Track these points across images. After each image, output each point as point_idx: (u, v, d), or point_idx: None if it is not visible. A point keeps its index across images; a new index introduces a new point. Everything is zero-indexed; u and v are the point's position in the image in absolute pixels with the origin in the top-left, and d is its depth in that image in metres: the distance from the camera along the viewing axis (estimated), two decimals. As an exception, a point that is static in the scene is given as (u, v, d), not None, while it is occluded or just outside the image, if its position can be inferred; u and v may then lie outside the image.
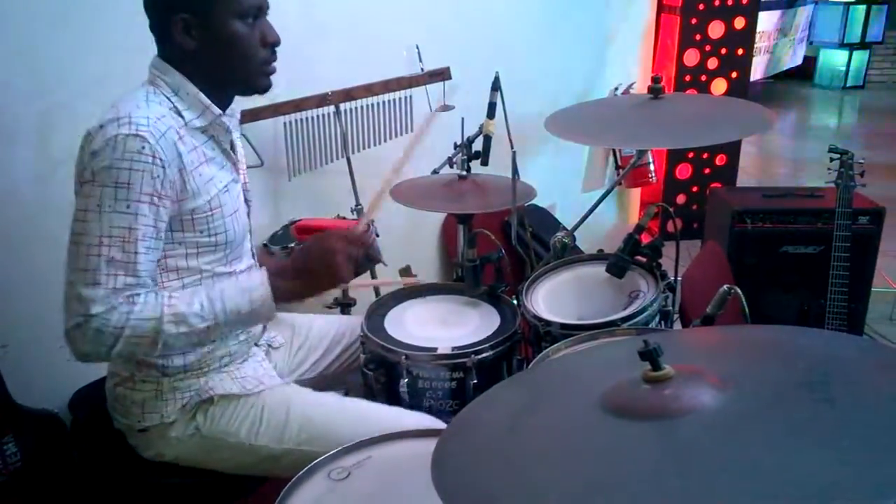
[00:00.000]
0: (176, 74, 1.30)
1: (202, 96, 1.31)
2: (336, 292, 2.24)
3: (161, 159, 1.20)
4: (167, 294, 1.24)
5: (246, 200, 1.47)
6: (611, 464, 0.76)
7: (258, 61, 1.31)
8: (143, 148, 1.18)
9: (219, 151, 1.37)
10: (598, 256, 1.82)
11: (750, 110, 1.73)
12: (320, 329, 1.74)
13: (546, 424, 0.90)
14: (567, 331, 1.55)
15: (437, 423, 1.41)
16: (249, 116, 2.09)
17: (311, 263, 1.31)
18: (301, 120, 2.26)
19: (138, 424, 1.39)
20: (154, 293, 1.23)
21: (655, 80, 1.66)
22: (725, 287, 1.10)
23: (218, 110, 1.33)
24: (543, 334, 1.59)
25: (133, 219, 1.19)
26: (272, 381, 1.48)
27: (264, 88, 1.36)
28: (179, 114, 1.28)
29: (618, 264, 1.57)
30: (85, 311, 1.17)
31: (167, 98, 1.29)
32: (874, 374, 0.82)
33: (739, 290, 1.14)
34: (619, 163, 3.79)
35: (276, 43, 1.33)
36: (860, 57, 7.75)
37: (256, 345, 1.54)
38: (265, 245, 2.22)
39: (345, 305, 2.24)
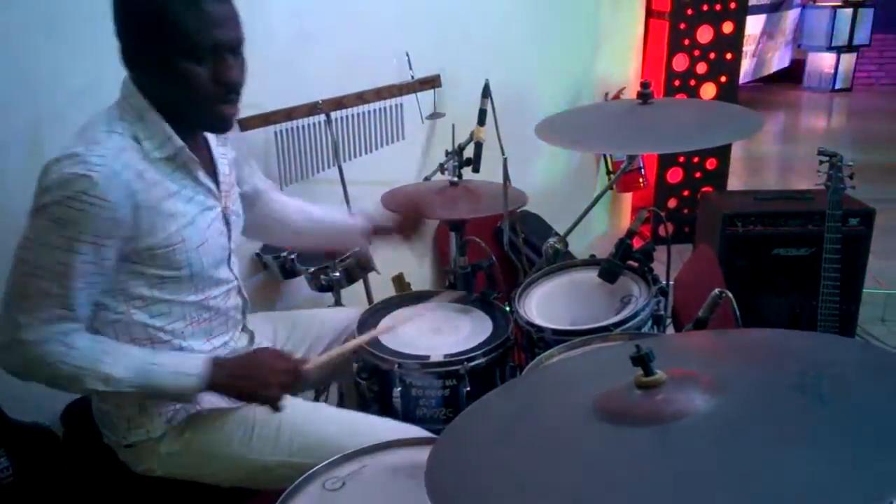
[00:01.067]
0: (141, 99, 1.25)
1: (165, 126, 1.26)
2: (329, 301, 2.24)
3: (110, 201, 1.17)
4: (101, 349, 1.23)
5: (227, 223, 1.42)
6: (604, 470, 0.76)
7: (208, 102, 1.24)
8: (91, 189, 1.15)
9: (189, 181, 1.32)
10: (590, 262, 1.83)
11: (739, 114, 1.74)
12: (305, 325, 1.72)
13: (539, 431, 0.90)
14: (560, 336, 1.56)
15: (428, 435, 1.41)
16: (239, 126, 2.08)
17: (243, 370, 1.31)
18: (292, 129, 2.26)
19: (124, 440, 1.38)
20: (90, 339, 1.23)
21: (644, 85, 1.67)
22: (717, 291, 1.10)
23: (180, 142, 1.27)
24: (536, 340, 1.60)
25: (75, 257, 1.17)
26: None
27: (220, 129, 1.32)
28: (140, 143, 1.24)
29: (609, 269, 1.58)
30: (14, 334, 1.18)
31: (130, 125, 1.24)
32: (865, 376, 0.83)
33: (731, 294, 1.15)
34: (611, 168, 3.81)
35: (233, 83, 1.24)
36: (848, 60, 7.81)
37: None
38: (258, 254, 2.22)
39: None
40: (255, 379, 1.31)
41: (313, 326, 1.73)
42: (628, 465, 0.75)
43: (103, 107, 1.28)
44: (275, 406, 1.32)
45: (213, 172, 1.38)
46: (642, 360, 0.80)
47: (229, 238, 1.43)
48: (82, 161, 1.17)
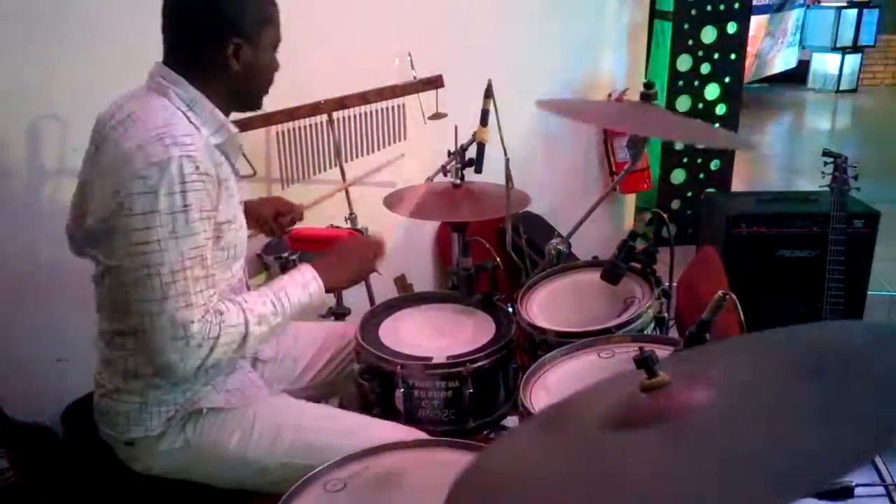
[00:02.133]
0: (190, 88, 1.30)
1: (218, 113, 1.33)
2: (331, 302, 2.23)
3: (211, 175, 1.24)
4: (242, 298, 1.30)
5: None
6: (621, 477, 0.75)
7: (268, 87, 1.42)
8: (197, 167, 1.21)
9: (228, 165, 1.38)
10: (593, 263, 1.82)
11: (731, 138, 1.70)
12: (307, 337, 1.73)
13: (559, 460, 0.88)
14: (562, 338, 1.55)
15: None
16: (241, 126, 2.07)
17: (345, 255, 1.50)
18: (294, 129, 2.25)
19: (123, 437, 1.38)
20: (230, 300, 1.29)
21: (647, 85, 1.65)
22: (720, 293, 1.09)
23: (234, 128, 1.37)
24: (539, 342, 1.59)
25: (201, 238, 1.23)
26: (259, 392, 1.47)
27: (259, 107, 1.48)
28: (197, 129, 1.29)
29: (612, 271, 1.57)
30: (185, 332, 1.20)
31: (182, 112, 1.29)
32: (876, 353, 0.81)
33: (734, 296, 1.14)
34: (614, 168, 3.79)
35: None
36: (853, 60, 7.78)
37: (242, 357, 1.53)
38: (259, 255, 2.22)
39: (339, 315, 2.23)
40: (353, 260, 1.50)
41: (317, 339, 1.74)
42: (643, 468, 0.74)
43: (99, 109, 1.29)
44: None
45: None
46: (646, 363, 0.79)
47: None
48: (176, 144, 1.21)
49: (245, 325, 1.26)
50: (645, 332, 1.55)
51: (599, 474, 0.76)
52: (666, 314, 1.59)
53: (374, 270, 1.58)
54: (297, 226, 1.89)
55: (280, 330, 1.38)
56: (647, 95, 1.65)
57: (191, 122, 1.29)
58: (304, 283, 1.38)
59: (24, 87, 1.85)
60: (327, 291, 1.43)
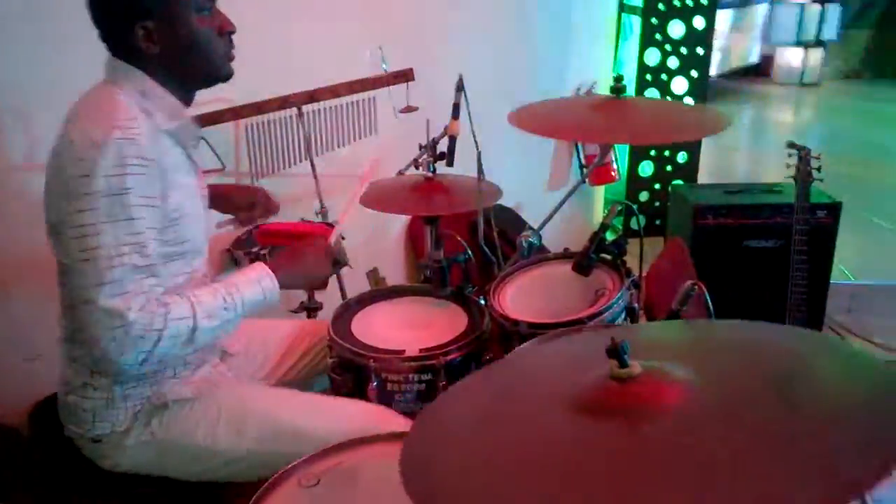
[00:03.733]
0: (139, 74, 1.28)
1: (171, 98, 1.30)
2: (303, 297, 2.22)
3: (153, 160, 1.20)
4: (191, 292, 1.25)
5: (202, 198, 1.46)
6: (577, 461, 0.76)
7: (220, 53, 1.33)
8: (139, 152, 1.18)
9: (184, 156, 1.35)
10: (564, 255, 1.84)
11: (707, 113, 1.75)
12: (278, 334, 1.72)
13: (514, 422, 0.90)
14: (534, 329, 1.56)
15: (400, 419, 1.42)
16: (209, 119, 2.05)
17: (299, 256, 1.44)
18: (263, 123, 2.23)
19: (90, 434, 1.37)
20: (178, 293, 1.24)
21: (617, 79, 1.66)
22: (689, 283, 1.11)
23: (188, 114, 1.33)
24: (511, 333, 1.60)
25: (141, 224, 1.18)
26: (226, 381, 1.46)
27: (226, 76, 1.37)
28: (149, 116, 1.27)
29: (583, 263, 1.58)
30: (121, 321, 1.15)
31: (135, 100, 1.26)
32: (835, 373, 0.84)
33: (703, 286, 1.16)
34: (583, 161, 3.83)
35: (233, 31, 1.35)
36: (815, 55, 7.94)
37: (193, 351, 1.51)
38: (228, 250, 2.19)
39: (311, 310, 2.22)
40: (306, 262, 1.44)
41: (288, 336, 1.73)
42: (601, 455, 0.75)
43: (67, 102, 1.26)
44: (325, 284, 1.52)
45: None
46: (616, 352, 0.81)
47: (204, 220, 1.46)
48: (118, 126, 1.17)
49: (193, 318, 1.22)
50: (616, 323, 1.57)
51: (551, 451, 0.77)
52: (636, 304, 1.62)
53: (330, 275, 1.55)
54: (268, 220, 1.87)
55: (233, 326, 1.33)
56: (617, 89, 1.66)
57: (144, 108, 1.26)
58: (257, 279, 1.34)
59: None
60: (282, 289, 1.38)
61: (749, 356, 0.89)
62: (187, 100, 1.36)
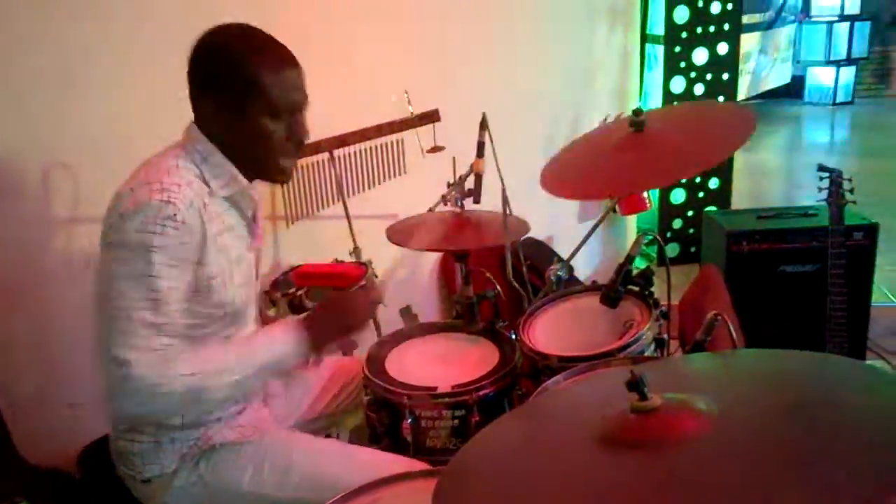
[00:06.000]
0: (207, 143, 1.34)
1: (230, 166, 1.35)
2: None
3: (189, 224, 1.24)
4: (203, 358, 1.26)
5: (257, 264, 1.51)
6: (604, 495, 0.78)
7: (278, 154, 1.36)
8: (174, 214, 1.22)
9: (240, 219, 1.41)
10: (592, 288, 1.85)
11: (731, 115, 1.69)
12: (317, 373, 1.76)
13: (543, 458, 0.92)
14: (565, 363, 1.57)
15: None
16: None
17: (336, 310, 1.42)
18: (297, 168, 2.30)
19: (140, 475, 1.42)
20: (188, 350, 1.26)
21: (636, 112, 1.66)
22: (712, 314, 1.12)
23: (245, 181, 1.37)
24: (542, 368, 1.61)
25: (164, 282, 1.22)
26: (270, 427, 1.50)
27: (277, 181, 1.41)
28: (206, 182, 1.33)
29: (610, 295, 1.59)
30: (125, 373, 1.18)
31: (195, 165, 1.33)
32: (860, 398, 0.84)
33: (726, 317, 1.16)
34: (614, 191, 3.83)
35: (301, 139, 1.37)
36: (847, 73, 7.85)
37: (211, 410, 1.50)
38: (266, 293, 2.25)
39: (346, 348, 2.26)
40: (345, 318, 1.41)
41: (323, 376, 1.77)
42: (627, 488, 0.76)
43: (113, 154, 1.34)
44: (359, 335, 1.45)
45: (254, 216, 1.47)
46: (637, 386, 0.82)
47: (256, 278, 1.52)
48: (160, 189, 1.23)
49: (202, 375, 1.23)
50: (645, 354, 1.57)
51: (579, 485, 0.79)
52: (665, 335, 1.62)
53: (367, 322, 1.48)
54: (302, 262, 1.93)
55: (246, 389, 1.35)
56: (637, 123, 1.65)
57: (202, 174, 1.33)
58: (282, 339, 1.33)
59: (35, 135, 1.91)
60: (316, 346, 1.36)
61: (772, 385, 0.90)
62: (249, 177, 1.40)
